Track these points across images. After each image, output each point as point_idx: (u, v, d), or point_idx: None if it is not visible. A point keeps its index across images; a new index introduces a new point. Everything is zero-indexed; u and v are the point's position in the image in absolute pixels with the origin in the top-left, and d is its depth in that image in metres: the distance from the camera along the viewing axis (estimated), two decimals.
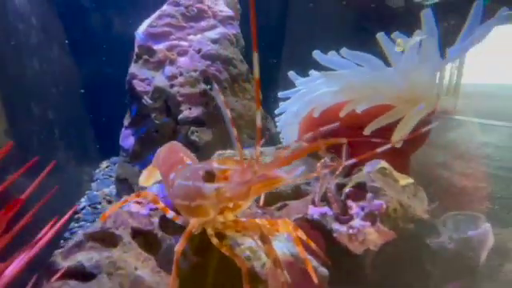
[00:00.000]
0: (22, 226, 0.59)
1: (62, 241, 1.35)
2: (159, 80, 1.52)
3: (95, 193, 1.76)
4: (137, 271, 0.66)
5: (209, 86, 1.52)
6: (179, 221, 0.71)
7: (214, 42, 1.58)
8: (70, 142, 1.72)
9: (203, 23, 1.62)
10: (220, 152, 1.15)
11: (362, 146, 0.95)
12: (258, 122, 0.44)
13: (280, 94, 1.45)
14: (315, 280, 0.65)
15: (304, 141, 0.85)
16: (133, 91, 1.54)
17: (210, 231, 0.65)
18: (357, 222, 0.77)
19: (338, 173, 0.91)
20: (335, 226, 0.79)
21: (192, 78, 1.51)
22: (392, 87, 1.11)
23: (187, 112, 1.49)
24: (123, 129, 1.62)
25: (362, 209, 0.78)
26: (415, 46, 1.05)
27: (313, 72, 1.34)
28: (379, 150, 0.53)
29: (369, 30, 1.36)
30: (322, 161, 0.90)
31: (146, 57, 1.56)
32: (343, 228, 0.78)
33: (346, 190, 0.84)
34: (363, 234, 0.75)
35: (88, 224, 1.48)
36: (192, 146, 1.43)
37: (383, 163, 0.88)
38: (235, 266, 0.60)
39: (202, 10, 1.63)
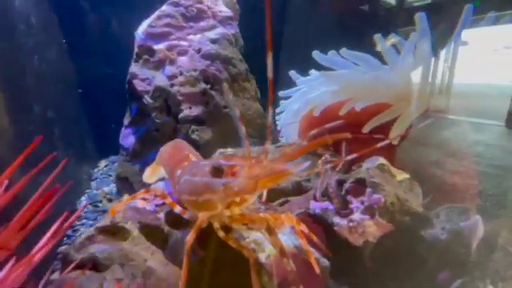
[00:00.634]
0: (37, 223, 0.61)
1: (65, 238, 1.37)
2: (159, 79, 1.53)
3: (95, 192, 1.77)
4: (147, 263, 0.68)
5: (208, 86, 1.54)
6: (186, 215, 0.74)
7: (214, 41, 1.61)
8: (69, 141, 1.72)
9: (203, 23, 1.64)
10: (221, 150, 1.17)
11: (360, 142, 0.99)
12: (270, 119, 0.47)
13: (281, 93, 1.47)
14: (317, 270, 0.68)
15: (310, 137, 0.88)
16: (133, 91, 1.55)
17: (216, 225, 0.68)
18: (357, 216, 0.81)
19: (338, 169, 0.94)
20: (336, 219, 0.82)
21: (192, 77, 1.53)
22: (389, 86, 1.15)
23: (187, 111, 1.51)
24: (123, 128, 1.63)
25: (362, 203, 0.82)
26: (411, 46, 1.10)
27: (313, 72, 1.37)
28: (379, 145, 0.57)
29: (365, 31, 1.40)
30: (323, 157, 0.94)
31: (146, 57, 1.58)
32: (344, 221, 0.81)
33: (347, 185, 0.87)
34: (363, 226, 0.79)
35: (90, 222, 1.49)
36: (192, 145, 1.45)
37: (382, 160, 0.91)
38: (234, 258, 0.63)
39: (202, 11, 1.66)
